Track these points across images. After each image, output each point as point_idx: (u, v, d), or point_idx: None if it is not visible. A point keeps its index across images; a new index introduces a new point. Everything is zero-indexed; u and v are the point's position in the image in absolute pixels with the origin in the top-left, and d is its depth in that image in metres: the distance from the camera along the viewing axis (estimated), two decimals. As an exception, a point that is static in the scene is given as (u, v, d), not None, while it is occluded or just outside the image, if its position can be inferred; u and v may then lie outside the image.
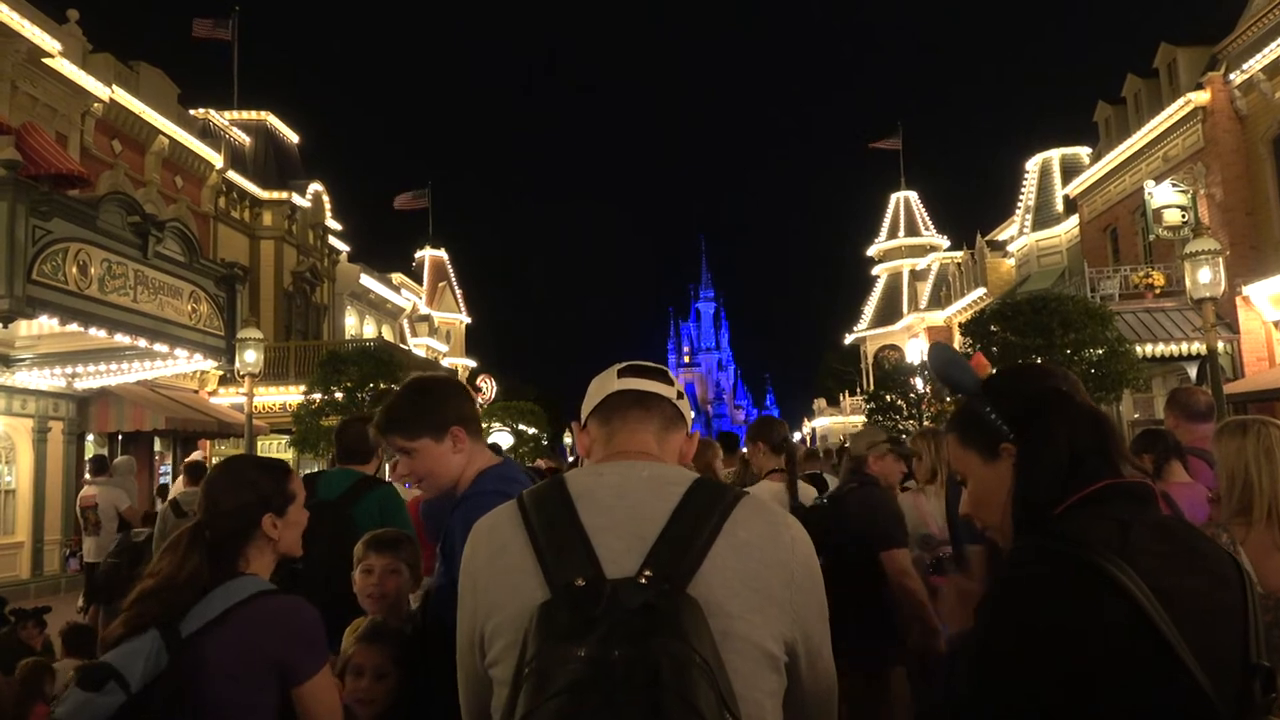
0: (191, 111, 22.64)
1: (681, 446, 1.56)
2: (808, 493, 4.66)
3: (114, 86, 17.98)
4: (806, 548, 1.40)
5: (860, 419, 30.27)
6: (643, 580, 1.21)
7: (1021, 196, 31.10)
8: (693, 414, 1.64)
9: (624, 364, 1.58)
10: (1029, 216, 30.30)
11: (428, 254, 42.81)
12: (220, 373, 19.10)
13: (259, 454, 20.94)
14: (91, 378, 14.80)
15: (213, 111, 24.11)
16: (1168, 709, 1.20)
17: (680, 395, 1.56)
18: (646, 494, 1.36)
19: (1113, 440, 1.42)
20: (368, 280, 31.14)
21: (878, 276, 42.88)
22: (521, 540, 1.34)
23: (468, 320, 43.86)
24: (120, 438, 17.57)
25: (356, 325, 30.96)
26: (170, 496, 9.16)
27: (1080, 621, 1.23)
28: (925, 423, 23.58)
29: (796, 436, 46.28)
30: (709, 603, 1.23)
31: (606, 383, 1.56)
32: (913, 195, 42.91)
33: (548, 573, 1.27)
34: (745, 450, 5.11)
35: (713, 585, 1.26)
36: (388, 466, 2.96)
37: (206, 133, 22.62)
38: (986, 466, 1.49)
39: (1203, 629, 1.23)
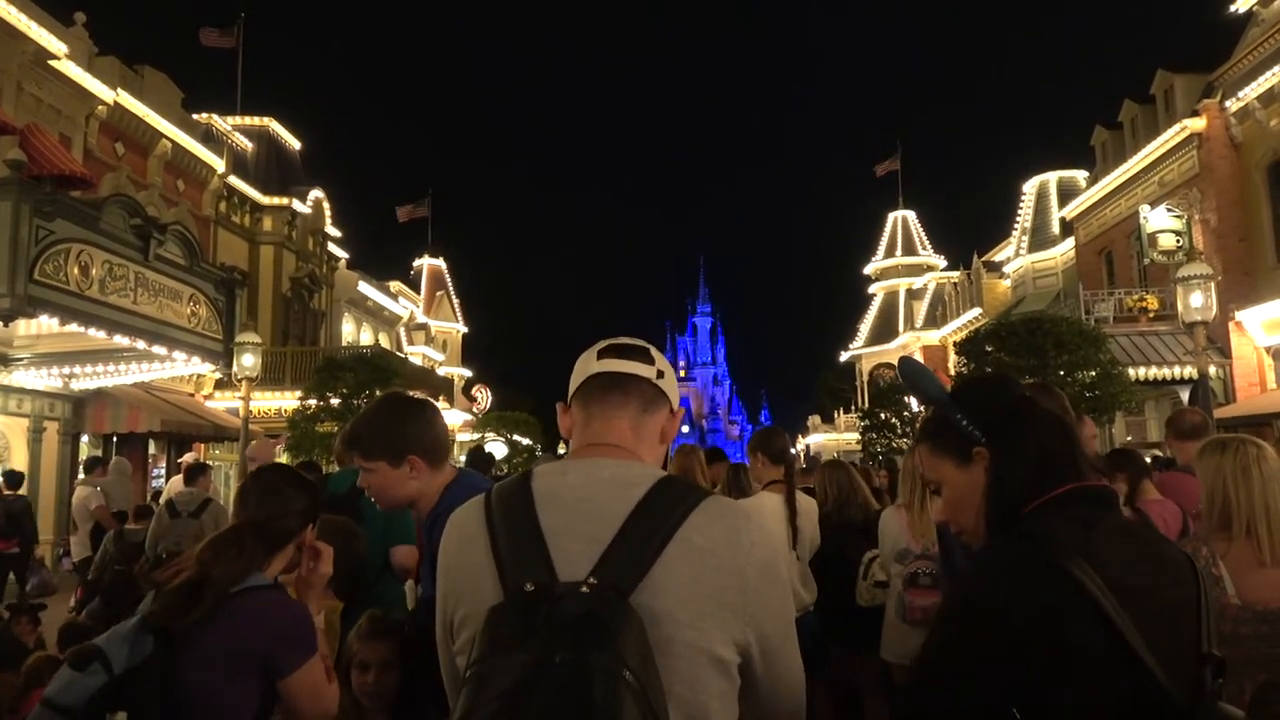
0: (195, 116, 22.73)
1: (664, 426, 1.52)
2: (807, 504, 4.71)
3: (119, 89, 18.08)
4: (765, 550, 1.37)
5: (854, 436, 30.26)
6: (585, 588, 1.20)
7: (1018, 218, 31.29)
8: (678, 393, 1.62)
9: (605, 342, 1.54)
10: (1025, 238, 30.47)
11: (426, 263, 42.88)
12: (216, 376, 19.13)
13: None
14: (88, 378, 14.83)
15: (216, 116, 24.21)
16: (1125, 697, 1.29)
17: (661, 374, 1.51)
18: (606, 495, 1.35)
19: (1077, 445, 1.52)
20: (366, 287, 31.21)
21: (874, 295, 42.97)
22: (484, 539, 1.35)
23: (464, 330, 43.91)
24: (115, 439, 17.58)
25: (354, 332, 31.02)
26: (165, 497, 9.23)
27: (1043, 616, 1.31)
28: (919, 441, 23.59)
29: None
30: (656, 610, 1.22)
31: (588, 363, 1.52)
32: (910, 215, 43.04)
33: (504, 574, 1.28)
34: (746, 461, 5.15)
35: (662, 591, 1.25)
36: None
37: (209, 137, 22.71)
38: (960, 471, 1.56)
39: (1160, 623, 1.32)
